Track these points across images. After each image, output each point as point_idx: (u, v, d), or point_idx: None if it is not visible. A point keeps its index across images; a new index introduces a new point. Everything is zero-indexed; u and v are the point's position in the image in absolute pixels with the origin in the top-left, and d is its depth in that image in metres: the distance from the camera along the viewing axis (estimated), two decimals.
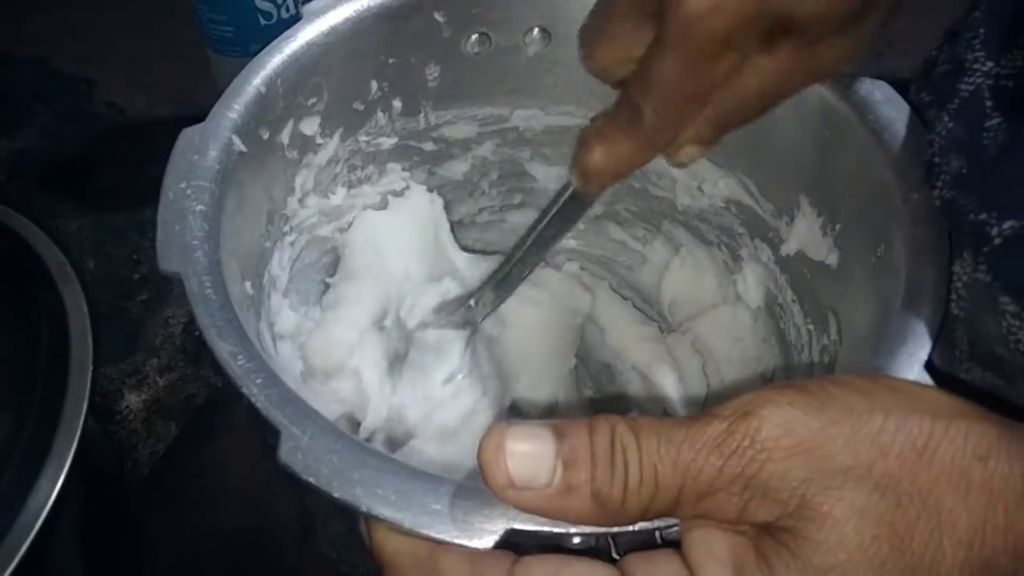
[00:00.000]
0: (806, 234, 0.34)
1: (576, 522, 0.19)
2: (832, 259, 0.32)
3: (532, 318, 0.43)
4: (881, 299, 0.27)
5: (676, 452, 0.19)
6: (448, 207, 0.44)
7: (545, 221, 0.31)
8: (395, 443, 0.35)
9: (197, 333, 0.44)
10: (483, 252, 0.46)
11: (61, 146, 0.53)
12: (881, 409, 0.19)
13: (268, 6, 0.44)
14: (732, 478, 0.18)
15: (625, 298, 0.45)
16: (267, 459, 0.39)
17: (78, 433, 0.33)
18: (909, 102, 0.29)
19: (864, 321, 0.28)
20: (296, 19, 0.45)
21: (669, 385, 0.41)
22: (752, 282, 0.39)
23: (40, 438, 0.33)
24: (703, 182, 0.39)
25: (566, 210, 0.31)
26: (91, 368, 0.35)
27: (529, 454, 0.19)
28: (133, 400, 0.43)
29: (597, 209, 0.44)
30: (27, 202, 0.43)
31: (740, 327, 0.40)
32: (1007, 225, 0.22)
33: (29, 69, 0.58)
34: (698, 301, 0.42)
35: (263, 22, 0.45)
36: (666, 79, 0.22)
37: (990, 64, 0.24)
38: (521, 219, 0.46)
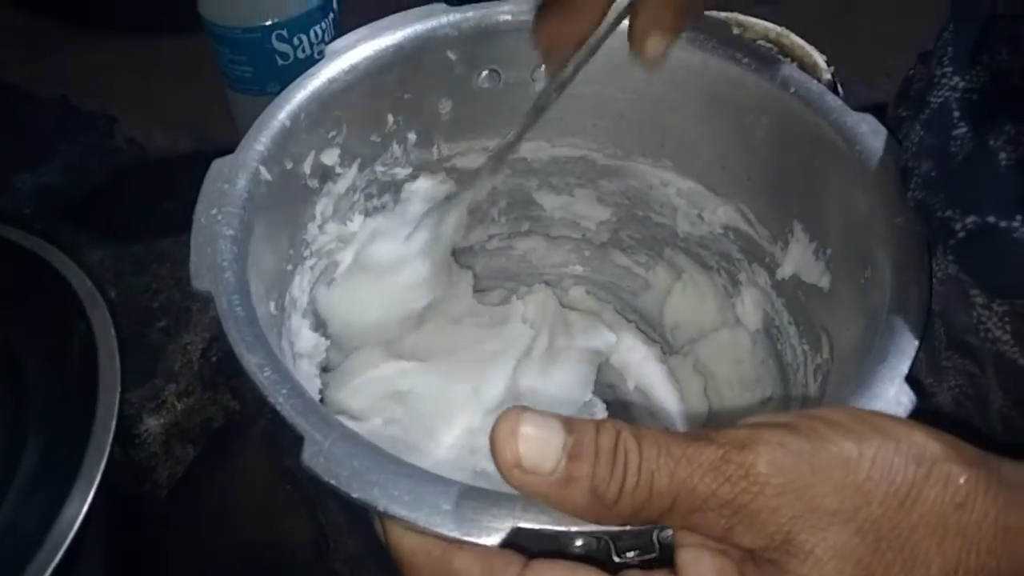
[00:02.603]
0: (800, 259, 0.36)
1: (571, 513, 0.21)
2: (824, 282, 0.34)
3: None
4: (868, 317, 0.29)
5: (674, 465, 0.20)
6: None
7: (530, 116, 0.34)
8: None
9: (215, 359, 0.46)
10: (491, 278, 0.48)
11: (83, 180, 0.55)
12: (869, 458, 0.20)
13: (285, 47, 0.47)
14: (723, 502, 0.20)
15: (629, 320, 0.47)
16: (282, 480, 0.41)
17: (106, 453, 0.34)
18: (887, 119, 0.31)
19: (852, 338, 0.30)
20: (311, 60, 0.47)
21: (671, 405, 0.42)
22: (750, 306, 0.40)
23: (70, 458, 0.34)
24: (703, 210, 0.41)
25: (540, 98, 0.34)
26: (119, 391, 0.36)
27: (539, 440, 0.20)
28: (152, 424, 0.44)
29: (603, 236, 0.46)
30: (50, 234, 0.44)
31: (740, 349, 0.41)
32: (969, 220, 0.24)
33: (52, 108, 0.60)
34: (699, 325, 0.44)
35: (280, 62, 0.47)
36: None
37: (957, 79, 0.27)
38: (529, 245, 0.48)
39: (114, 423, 0.35)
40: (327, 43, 0.47)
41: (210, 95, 0.53)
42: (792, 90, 0.34)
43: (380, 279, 0.39)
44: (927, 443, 0.20)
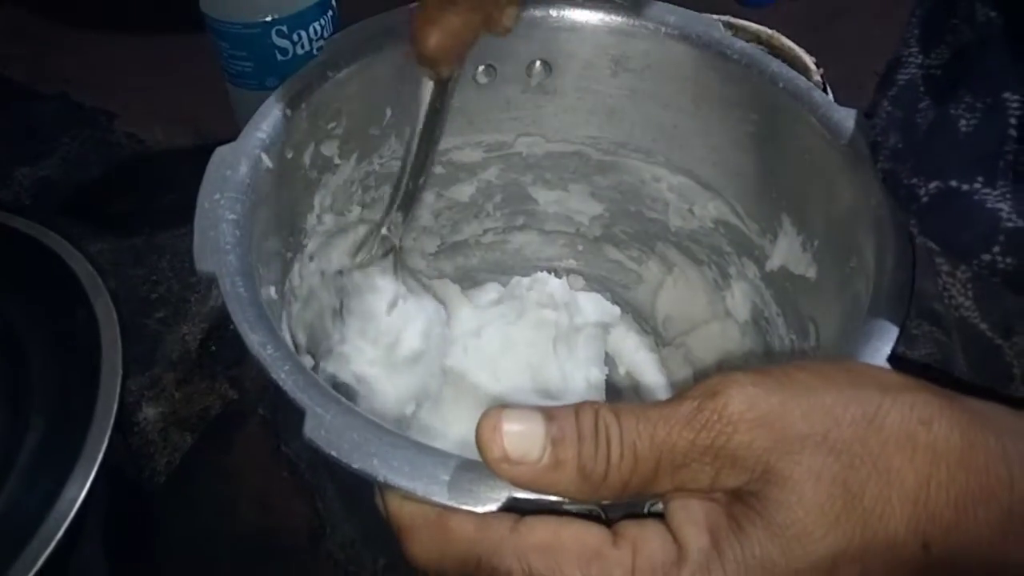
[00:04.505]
0: (788, 251, 0.37)
1: (564, 495, 0.22)
2: (811, 272, 0.35)
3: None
4: (852, 303, 0.30)
5: (652, 429, 0.21)
6: (455, 227, 0.47)
7: (420, 126, 0.35)
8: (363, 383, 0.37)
9: (212, 348, 0.46)
10: (486, 271, 0.49)
11: (82, 174, 0.56)
12: (835, 384, 0.21)
13: (285, 43, 0.47)
14: (703, 449, 0.21)
15: (624, 312, 0.47)
16: (279, 467, 0.42)
17: (107, 436, 0.35)
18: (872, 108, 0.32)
19: (837, 325, 0.31)
20: (310, 55, 0.48)
21: (660, 393, 0.43)
22: (740, 298, 0.41)
23: (71, 441, 0.35)
24: (693, 204, 0.42)
25: (433, 105, 0.34)
26: (121, 375, 0.37)
27: (522, 433, 0.21)
28: (150, 412, 0.44)
29: (596, 231, 0.47)
30: (50, 226, 0.44)
31: (729, 341, 0.42)
32: (933, 185, 0.25)
33: (53, 103, 0.60)
34: (690, 317, 0.45)
35: (280, 57, 0.48)
36: None
37: (922, 57, 0.28)
38: (524, 239, 0.48)
39: (116, 407, 0.36)
40: (325, 39, 0.48)
41: (208, 91, 0.53)
42: (780, 85, 0.35)
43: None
44: (891, 376, 0.22)
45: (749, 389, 0.21)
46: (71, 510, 0.32)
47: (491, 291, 0.46)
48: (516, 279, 0.44)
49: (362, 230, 0.40)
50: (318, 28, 0.48)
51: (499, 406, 0.22)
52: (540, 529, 0.22)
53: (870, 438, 0.20)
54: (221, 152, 0.31)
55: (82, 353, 0.38)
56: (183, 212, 0.51)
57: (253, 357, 0.25)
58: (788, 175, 0.36)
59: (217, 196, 0.30)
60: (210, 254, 0.28)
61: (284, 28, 0.47)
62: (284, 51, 0.48)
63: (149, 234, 0.51)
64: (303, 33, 0.48)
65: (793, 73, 0.35)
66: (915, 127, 0.27)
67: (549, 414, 0.21)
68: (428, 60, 0.31)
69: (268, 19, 0.46)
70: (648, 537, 0.22)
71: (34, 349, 0.38)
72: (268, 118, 0.33)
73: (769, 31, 0.48)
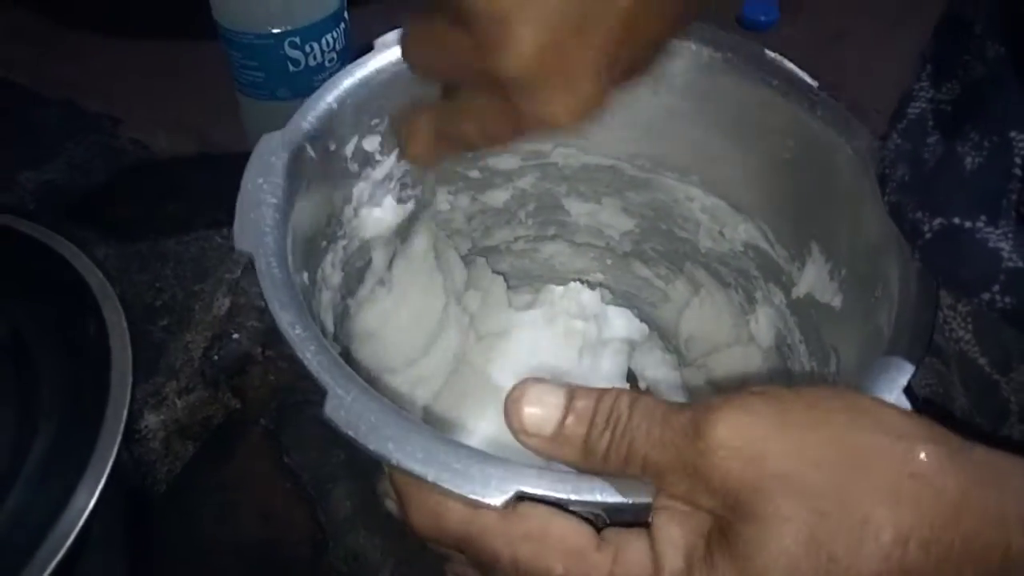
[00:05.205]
0: (815, 279, 0.37)
1: (569, 465, 0.23)
2: (836, 301, 0.35)
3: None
4: (874, 334, 0.30)
5: (649, 428, 0.22)
6: (487, 232, 0.47)
7: None
8: None
9: (216, 357, 0.46)
10: (515, 278, 0.49)
11: (87, 179, 0.55)
12: (830, 423, 0.21)
13: (297, 54, 0.48)
14: (684, 463, 0.21)
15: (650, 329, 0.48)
16: (281, 478, 0.42)
17: (117, 443, 0.34)
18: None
19: (858, 353, 0.31)
20: (321, 67, 0.49)
21: None
22: (764, 323, 0.41)
23: (81, 447, 0.34)
24: (725, 226, 0.42)
25: None
26: (131, 379, 0.36)
27: (538, 414, 0.23)
28: (152, 420, 0.44)
29: (626, 246, 0.48)
30: (54, 230, 0.44)
31: (751, 365, 0.42)
32: (936, 222, 0.26)
33: (58, 108, 0.60)
34: (713, 340, 0.45)
35: (291, 69, 0.48)
36: None
37: (933, 91, 0.28)
38: (554, 249, 0.49)
39: (126, 412, 0.35)
40: (337, 51, 0.48)
41: (214, 99, 0.53)
42: (819, 113, 0.35)
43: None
44: (896, 419, 0.21)
45: (740, 417, 0.21)
46: (80, 517, 0.32)
47: (526, 294, 0.47)
48: (550, 286, 0.44)
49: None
50: (330, 40, 0.48)
51: (529, 380, 0.23)
52: (531, 519, 0.23)
53: (849, 487, 0.20)
54: (267, 139, 0.32)
55: (91, 358, 0.37)
56: (188, 219, 0.52)
57: (281, 335, 0.26)
58: (820, 202, 0.36)
59: (260, 180, 0.31)
60: (249, 234, 0.29)
61: (297, 40, 0.47)
62: (296, 62, 0.48)
63: (153, 241, 0.51)
64: (315, 45, 0.48)
65: (832, 101, 0.35)
66: (923, 161, 0.27)
67: (572, 393, 0.23)
68: (410, 160, 0.30)
69: (281, 30, 0.47)
70: (630, 548, 0.22)
71: (42, 354, 0.38)
72: (314, 109, 0.34)
73: (772, 54, 0.48)
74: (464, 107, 0.27)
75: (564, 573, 0.22)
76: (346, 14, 0.49)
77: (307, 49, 0.48)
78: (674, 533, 0.22)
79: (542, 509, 0.23)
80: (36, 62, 0.64)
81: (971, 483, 0.20)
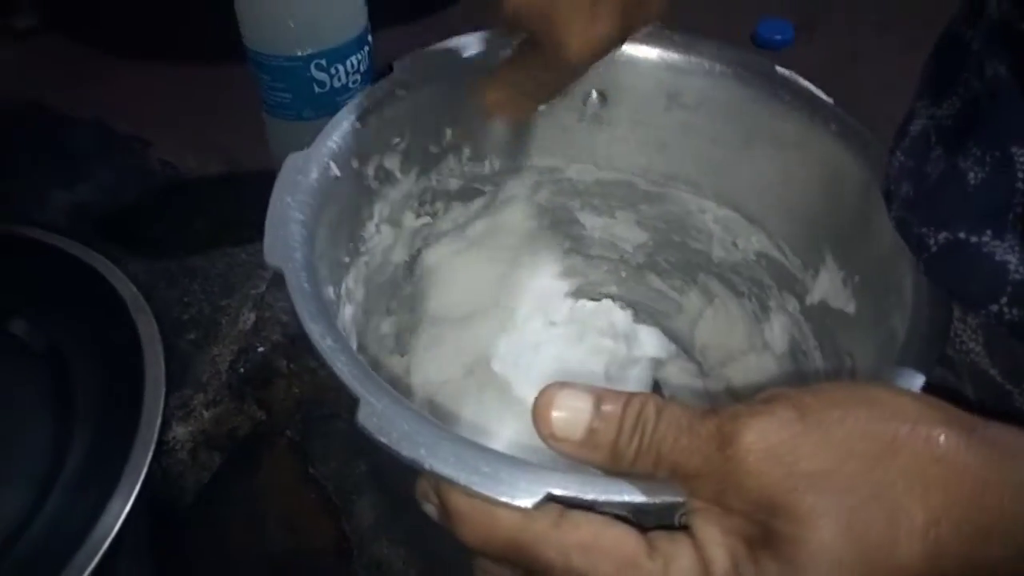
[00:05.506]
0: (829, 286, 0.37)
1: (597, 468, 0.24)
2: (850, 307, 0.35)
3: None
4: (888, 337, 0.30)
5: (678, 435, 0.23)
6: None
7: None
8: None
9: (242, 370, 0.47)
10: None
11: (116, 199, 0.57)
12: (851, 417, 0.22)
13: (323, 76, 0.49)
14: (713, 469, 0.22)
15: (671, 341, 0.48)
16: (306, 488, 0.43)
17: (151, 453, 0.35)
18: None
19: (873, 357, 0.31)
20: (345, 88, 0.50)
21: None
22: (779, 331, 0.42)
23: (115, 457, 0.35)
24: (737, 237, 0.43)
25: None
26: (164, 389, 0.38)
27: (567, 419, 0.24)
28: (180, 432, 0.45)
29: (640, 258, 0.48)
30: (88, 247, 0.46)
31: (765, 373, 0.43)
32: (941, 236, 0.26)
33: (88, 130, 0.62)
34: (728, 349, 0.45)
35: (317, 90, 0.49)
36: None
37: (933, 108, 0.29)
38: (568, 264, 0.50)
39: (159, 422, 0.36)
40: (361, 73, 0.50)
41: (240, 121, 0.54)
42: (832, 127, 0.36)
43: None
44: (911, 405, 0.22)
45: (766, 421, 0.22)
46: (115, 525, 0.33)
47: (563, 308, 0.47)
48: (582, 302, 0.45)
49: None
50: (355, 62, 0.50)
51: (557, 384, 0.24)
52: (583, 528, 0.23)
53: (878, 476, 0.21)
54: (294, 158, 0.33)
55: (125, 369, 0.39)
56: (215, 237, 0.54)
57: (311, 347, 0.27)
58: (833, 212, 0.37)
59: (288, 199, 0.32)
60: (279, 251, 0.30)
61: (323, 62, 0.49)
62: (322, 84, 0.49)
63: (182, 258, 0.53)
64: (340, 67, 0.49)
65: (844, 114, 0.36)
66: (926, 177, 0.28)
67: (600, 397, 0.24)
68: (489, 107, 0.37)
69: (308, 53, 0.48)
70: (680, 554, 0.23)
71: (78, 365, 0.39)
72: (339, 129, 0.35)
73: (786, 72, 0.49)
74: (517, 59, 0.35)
75: None
76: (370, 37, 0.51)
77: (332, 71, 0.49)
78: (716, 534, 0.22)
79: (593, 517, 0.23)
80: (68, 85, 0.65)
81: (991, 459, 0.21)
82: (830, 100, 0.36)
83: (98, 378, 0.38)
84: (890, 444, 0.21)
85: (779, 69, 0.38)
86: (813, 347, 0.39)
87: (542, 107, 0.41)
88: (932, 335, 0.28)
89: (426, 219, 0.43)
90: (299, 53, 0.48)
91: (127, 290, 0.42)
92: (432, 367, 0.44)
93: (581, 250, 0.49)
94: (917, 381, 0.27)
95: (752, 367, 0.43)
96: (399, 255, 0.42)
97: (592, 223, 0.47)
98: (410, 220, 0.42)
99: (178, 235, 0.54)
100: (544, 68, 0.34)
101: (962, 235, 0.26)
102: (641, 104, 0.42)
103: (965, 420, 0.22)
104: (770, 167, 0.39)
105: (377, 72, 0.51)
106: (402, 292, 0.43)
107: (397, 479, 0.36)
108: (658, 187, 0.44)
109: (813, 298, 0.38)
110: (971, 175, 0.26)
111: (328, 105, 0.49)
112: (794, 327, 0.40)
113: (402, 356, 0.43)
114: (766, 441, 0.21)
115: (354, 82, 0.50)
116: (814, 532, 0.21)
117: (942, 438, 0.21)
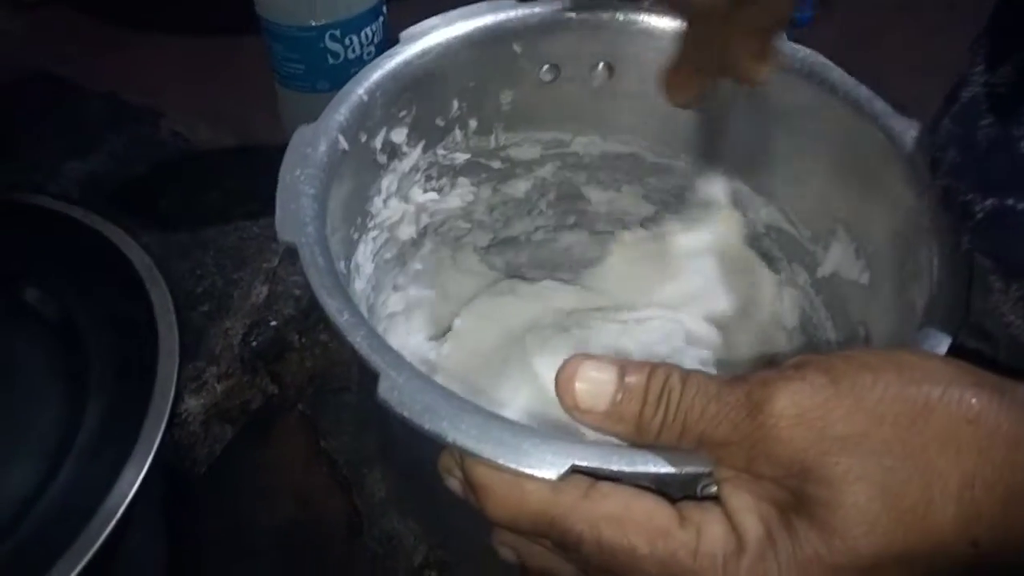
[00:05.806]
0: (841, 257, 0.37)
1: (622, 440, 0.24)
2: (864, 278, 0.35)
3: None
4: (907, 307, 0.30)
5: (706, 403, 0.22)
6: (507, 223, 0.48)
7: None
8: None
9: (254, 343, 0.47)
10: (535, 268, 0.50)
11: (128, 169, 0.57)
12: (882, 381, 0.21)
13: (337, 47, 0.49)
14: (743, 436, 0.22)
15: None
16: (318, 461, 0.43)
17: (164, 422, 0.35)
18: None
19: (889, 330, 0.31)
20: (359, 60, 0.49)
21: None
22: (789, 304, 0.42)
23: (129, 426, 0.35)
24: (747, 210, 0.43)
25: None
26: (178, 358, 0.38)
27: (591, 391, 0.23)
28: (192, 404, 0.45)
29: None
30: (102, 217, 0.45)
31: (776, 346, 0.43)
32: (989, 202, 0.26)
33: (101, 101, 0.62)
34: (737, 322, 0.45)
35: (331, 61, 0.49)
36: None
37: (988, 75, 0.29)
38: (573, 239, 0.49)
39: (173, 392, 0.36)
40: (375, 44, 0.49)
41: (253, 92, 0.54)
42: (841, 95, 0.36)
43: None
44: (942, 368, 0.22)
45: (798, 386, 0.22)
46: (128, 495, 0.33)
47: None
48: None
49: None
50: (369, 33, 0.49)
51: (580, 356, 0.24)
52: (613, 499, 0.23)
53: (912, 439, 0.21)
54: (302, 131, 0.32)
55: (139, 339, 0.38)
56: (227, 209, 0.53)
57: (328, 322, 0.27)
58: (845, 183, 0.36)
59: (298, 172, 0.31)
60: (291, 226, 0.29)
61: (337, 32, 0.48)
62: (336, 55, 0.49)
63: (194, 230, 0.52)
64: (355, 38, 0.49)
65: (853, 82, 0.36)
66: (975, 144, 0.28)
67: (624, 368, 0.23)
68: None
69: (322, 23, 0.48)
70: (711, 522, 0.23)
71: (91, 335, 0.39)
72: (346, 102, 0.34)
73: (807, 51, 0.49)
74: (687, 37, 0.34)
75: (650, 553, 0.22)
76: (384, 8, 0.50)
77: (347, 42, 0.48)
78: (747, 500, 0.22)
79: (622, 488, 0.23)
80: (81, 57, 0.65)
81: (1020, 420, 0.21)
82: (843, 71, 0.36)
83: (111, 349, 0.38)
84: (923, 407, 0.21)
85: (792, 43, 0.38)
86: (824, 318, 0.39)
87: (547, 78, 0.40)
88: (954, 304, 0.28)
89: (433, 195, 0.42)
90: (313, 23, 0.47)
91: (141, 261, 0.41)
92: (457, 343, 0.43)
93: (586, 225, 0.49)
94: (942, 346, 0.27)
95: (763, 339, 0.43)
96: (406, 231, 0.41)
97: (598, 197, 0.47)
98: (417, 195, 0.41)
99: (190, 207, 0.54)
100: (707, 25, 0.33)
101: (1010, 202, 0.25)
102: (648, 75, 0.41)
103: (996, 382, 0.22)
104: (779, 137, 0.39)
105: (391, 43, 0.50)
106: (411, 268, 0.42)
107: (408, 453, 0.36)
108: (665, 159, 0.44)
109: (825, 270, 0.38)
110: (1023, 143, 0.25)
111: (342, 77, 0.48)
112: (805, 300, 0.40)
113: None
114: (798, 407, 0.21)
115: (368, 54, 0.50)
116: (848, 495, 0.21)
117: (974, 400, 0.21)
